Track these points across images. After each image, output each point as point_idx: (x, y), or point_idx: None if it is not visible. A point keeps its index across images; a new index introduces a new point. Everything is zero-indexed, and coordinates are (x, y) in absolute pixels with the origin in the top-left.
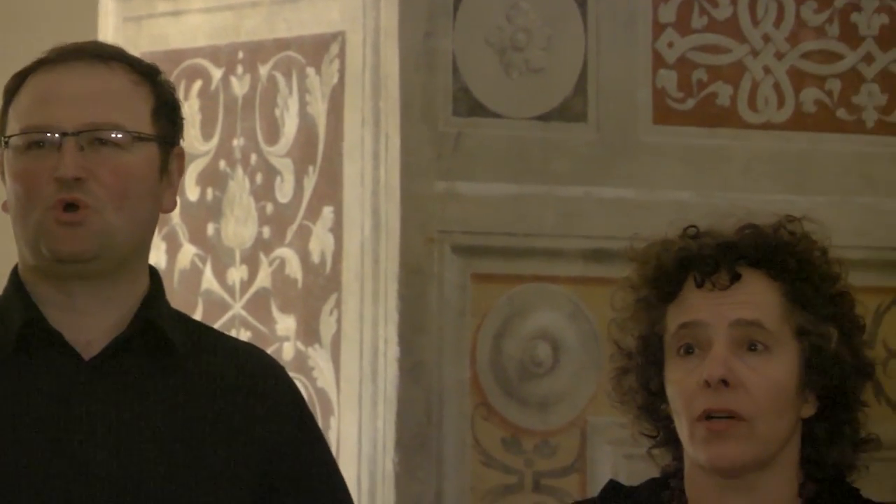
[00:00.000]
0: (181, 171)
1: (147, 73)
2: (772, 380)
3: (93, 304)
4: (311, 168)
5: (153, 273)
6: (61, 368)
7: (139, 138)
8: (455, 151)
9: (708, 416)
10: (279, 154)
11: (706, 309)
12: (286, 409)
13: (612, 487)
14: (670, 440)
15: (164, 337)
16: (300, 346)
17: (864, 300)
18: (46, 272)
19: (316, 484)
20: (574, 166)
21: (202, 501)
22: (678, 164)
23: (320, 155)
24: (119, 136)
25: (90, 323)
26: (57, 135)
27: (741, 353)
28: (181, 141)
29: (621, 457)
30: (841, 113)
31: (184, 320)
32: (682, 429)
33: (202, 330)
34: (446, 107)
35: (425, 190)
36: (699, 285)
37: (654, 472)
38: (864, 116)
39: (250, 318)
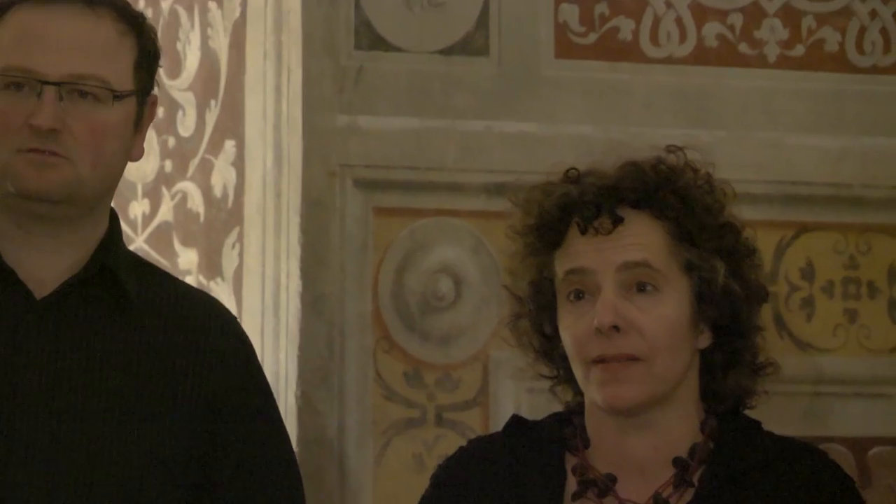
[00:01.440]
0: (152, 118)
1: (133, 22)
2: (664, 319)
3: (51, 244)
4: (213, 102)
5: (112, 216)
6: (12, 305)
7: (119, 96)
8: (357, 85)
9: (602, 360)
10: (181, 88)
11: (591, 255)
12: (233, 358)
13: (516, 423)
14: (571, 378)
15: (117, 282)
16: (202, 279)
17: (766, 234)
18: (9, 206)
19: (257, 435)
20: (476, 101)
21: (143, 444)
22: (580, 99)
23: (222, 89)
24: (100, 90)
25: (46, 262)
26: (38, 82)
27: (630, 295)
28: (156, 87)
29: (523, 391)
30: (743, 47)
31: (140, 265)
32: (578, 372)
33: (157, 275)
34: (348, 41)
35: (327, 124)
36: (582, 232)
37: (557, 406)
38: (766, 51)
39: (152, 252)
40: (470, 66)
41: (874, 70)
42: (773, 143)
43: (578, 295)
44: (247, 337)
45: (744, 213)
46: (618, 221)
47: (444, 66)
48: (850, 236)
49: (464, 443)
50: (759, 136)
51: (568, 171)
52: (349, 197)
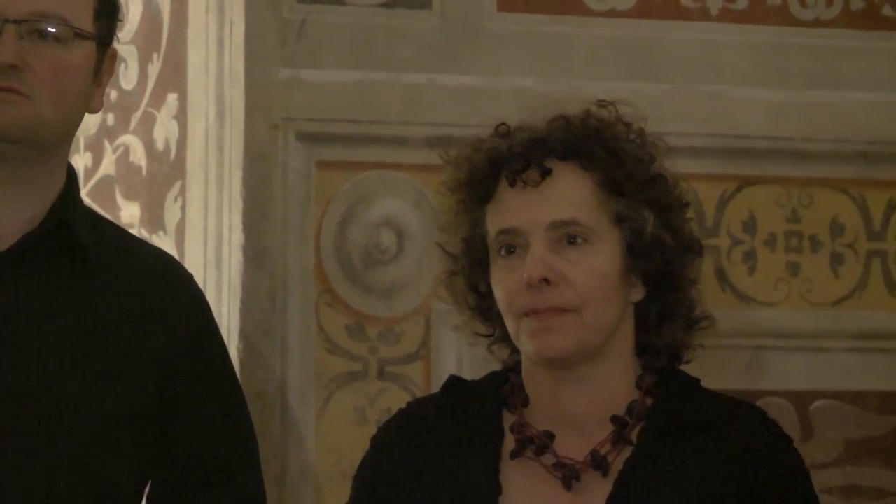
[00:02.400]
0: (111, 73)
1: None
2: (594, 270)
3: (9, 192)
4: (155, 55)
5: (70, 172)
6: None
7: (80, 35)
8: (300, 38)
9: (533, 312)
10: (123, 41)
11: (521, 212)
12: (189, 319)
13: (453, 382)
14: (507, 336)
15: (75, 237)
16: (145, 233)
17: (708, 187)
18: None
19: (215, 391)
20: (418, 53)
21: (105, 401)
22: (522, 52)
23: (164, 42)
24: (61, 29)
25: (4, 215)
26: None
27: (560, 248)
28: (115, 42)
29: (465, 344)
30: (685, 1)
31: (97, 221)
32: (510, 326)
33: (115, 232)
34: None
35: (270, 77)
36: (512, 184)
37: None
38: (709, 4)
39: (95, 206)
40: (413, 19)
41: (816, 23)
42: (716, 97)
43: (509, 249)
44: (203, 294)
45: (686, 166)
46: (546, 173)
47: (387, 20)
48: (792, 190)
49: (406, 396)
50: (701, 89)
51: (498, 126)
52: (292, 150)
